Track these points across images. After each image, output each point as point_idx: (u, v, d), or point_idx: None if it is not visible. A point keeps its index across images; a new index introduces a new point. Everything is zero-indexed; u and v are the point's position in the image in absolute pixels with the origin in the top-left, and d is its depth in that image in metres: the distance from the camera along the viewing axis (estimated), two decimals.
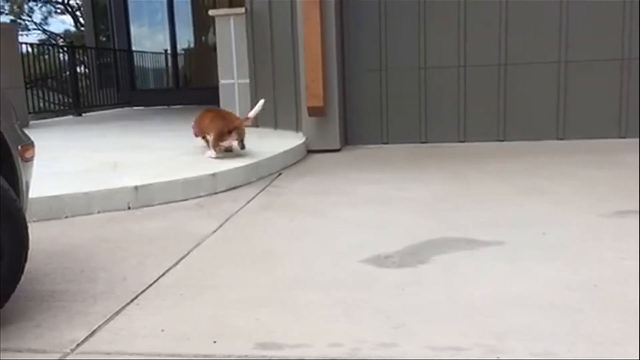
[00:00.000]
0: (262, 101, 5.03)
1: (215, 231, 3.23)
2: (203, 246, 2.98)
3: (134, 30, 13.36)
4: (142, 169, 4.41)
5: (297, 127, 6.16)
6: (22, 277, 2.15)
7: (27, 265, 2.16)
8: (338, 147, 5.82)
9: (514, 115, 5.79)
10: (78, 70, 11.89)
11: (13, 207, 2.07)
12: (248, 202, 3.89)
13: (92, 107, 11.50)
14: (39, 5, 25.05)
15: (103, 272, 2.63)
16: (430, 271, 2.50)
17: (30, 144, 2.37)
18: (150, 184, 3.91)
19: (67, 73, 11.17)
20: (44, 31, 25.28)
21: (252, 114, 4.96)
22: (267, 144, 5.37)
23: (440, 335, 1.90)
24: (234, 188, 4.25)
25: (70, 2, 25.01)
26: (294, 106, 6.19)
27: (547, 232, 2.94)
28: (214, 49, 7.55)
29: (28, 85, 9.58)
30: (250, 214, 3.63)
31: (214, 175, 4.18)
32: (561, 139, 5.71)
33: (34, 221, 3.24)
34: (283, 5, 6.23)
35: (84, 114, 10.68)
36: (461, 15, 5.77)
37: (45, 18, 25.42)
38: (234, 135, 4.76)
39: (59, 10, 25.60)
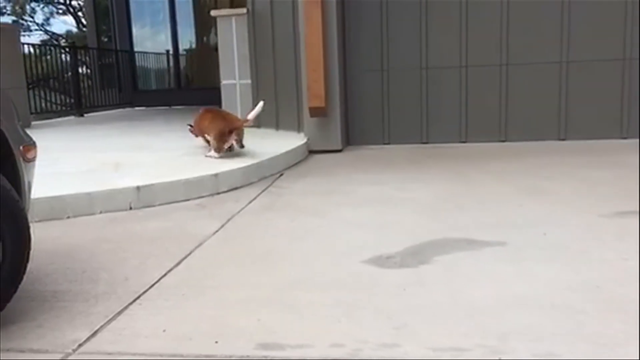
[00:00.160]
0: (261, 103, 5.04)
1: (217, 231, 3.23)
2: (205, 246, 2.98)
3: (135, 30, 13.37)
4: (144, 170, 4.42)
5: (298, 128, 6.16)
6: (24, 278, 2.15)
7: (29, 266, 2.16)
8: (339, 147, 5.82)
9: (515, 116, 5.79)
10: (80, 70, 11.90)
11: (15, 208, 2.07)
12: (250, 202, 3.89)
13: (93, 108, 11.51)
14: (41, 5, 25.09)
15: (105, 272, 2.63)
16: (431, 271, 2.50)
17: (32, 145, 2.38)
18: (152, 185, 3.91)
19: (69, 73, 11.19)
20: (46, 32, 25.32)
21: (251, 115, 4.97)
22: (268, 144, 5.37)
23: (442, 336, 1.90)
24: (235, 188, 4.26)
25: (72, 3, 25.04)
26: (296, 106, 6.20)
27: (549, 233, 2.94)
28: (216, 49, 7.56)
29: (30, 86, 9.59)
30: (251, 214, 3.63)
31: (215, 175, 4.18)
32: (562, 140, 5.70)
33: (35, 221, 3.25)
34: (284, 6, 6.24)
35: (85, 115, 10.70)
36: (462, 15, 5.77)
37: (47, 19, 25.46)
38: (234, 135, 4.78)
39: (60, 11, 25.63)
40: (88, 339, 2.00)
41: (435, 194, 3.89)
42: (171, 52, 13.41)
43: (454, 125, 5.91)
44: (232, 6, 7.66)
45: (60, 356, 1.89)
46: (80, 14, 23.95)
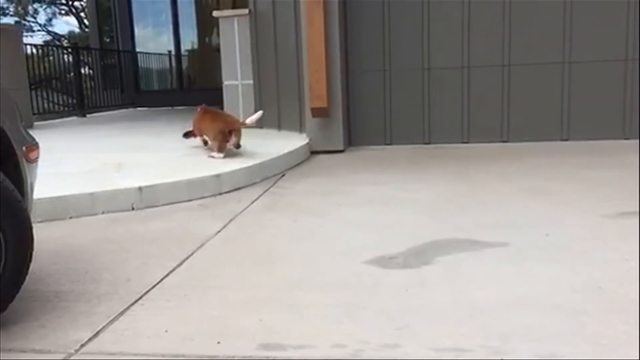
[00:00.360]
0: (260, 112, 5.09)
1: (219, 232, 3.23)
2: (207, 247, 2.98)
3: (138, 31, 13.39)
4: (146, 170, 4.42)
5: (300, 128, 6.16)
6: (27, 278, 2.16)
7: (32, 266, 2.17)
8: (341, 148, 5.82)
9: (517, 116, 5.78)
10: (82, 71, 11.91)
11: (18, 208, 2.07)
12: (252, 202, 3.89)
13: (96, 108, 11.53)
14: (44, 6, 25.13)
15: (107, 272, 2.64)
16: (433, 272, 2.50)
17: (34, 145, 2.38)
18: (155, 185, 3.91)
19: (72, 74, 11.20)
20: (49, 32, 25.37)
21: (249, 120, 4.98)
22: (270, 144, 5.38)
23: (444, 337, 1.90)
24: (237, 189, 4.26)
25: (75, 4, 25.08)
26: (298, 107, 6.20)
27: (551, 233, 2.93)
28: (218, 50, 7.56)
29: (32, 86, 9.61)
30: (254, 214, 3.63)
31: (218, 176, 4.19)
32: (565, 140, 5.70)
33: (38, 222, 3.26)
34: (286, 6, 6.24)
35: (88, 115, 10.71)
36: (464, 15, 5.77)
37: (50, 19, 25.51)
38: (234, 135, 4.80)
39: (63, 12, 25.68)
40: (90, 339, 2.00)
41: (437, 195, 3.89)
42: (173, 52, 13.42)
43: (456, 125, 5.91)
44: (234, 7, 7.66)
45: (62, 356, 1.89)
46: (82, 14, 24.00)
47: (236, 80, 7.22)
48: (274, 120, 6.68)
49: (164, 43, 13.42)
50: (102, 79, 12.64)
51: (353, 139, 6.12)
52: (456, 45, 5.82)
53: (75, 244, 3.11)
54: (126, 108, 12.52)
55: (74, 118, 10.37)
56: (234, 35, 7.13)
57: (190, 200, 3.97)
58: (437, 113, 5.95)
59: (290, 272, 2.59)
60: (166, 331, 2.03)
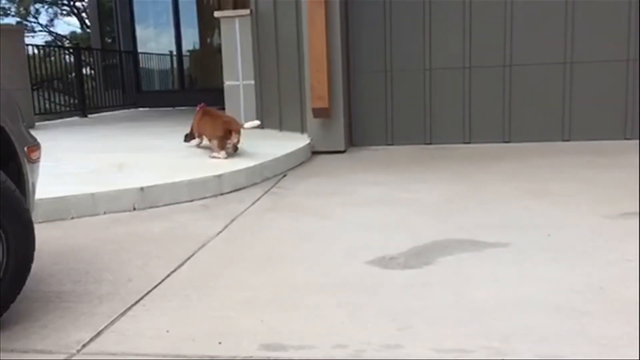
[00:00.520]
0: (257, 122, 5.14)
1: (220, 232, 3.23)
2: (208, 247, 2.98)
3: (139, 31, 13.40)
4: (148, 170, 4.43)
5: (302, 129, 6.16)
6: (28, 278, 2.16)
7: (33, 266, 2.17)
8: (343, 148, 5.82)
9: (519, 117, 5.78)
10: (84, 71, 11.92)
11: (19, 208, 2.08)
12: (253, 203, 3.89)
13: (97, 109, 11.53)
14: (45, 7, 25.15)
15: (108, 273, 2.64)
16: (435, 272, 2.50)
17: (36, 145, 2.38)
18: (156, 185, 3.91)
19: (73, 74, 11.20)
20: (50, 33, 25.36)
21: (246, 125, 4.98)
22: (272, 145, 5.38)
23: (446, 337, 1.90)
24: (239, 189, 4.26)
25: (76, 4, 25.09)
26: (299, 107, 6.20)
27: (553, 234, 2.93)
28: (219, 50, 7.56)
29: (34, 87, 9.61)
30: (255, 215, 3.64)
31: (219, 176, 4.19)
32: (566, 140, 5.69)
33: (39, 222, 3.26)
34: (288, 7, 6.24)
35: (89, 115, 10.72)
36: (466, 16, 5.76)
37: (52, 20, 25.51)
38: (234, 136, 4.81)
39: (65, 12, 25.68)
40: (92, 339, 2.00)
41: (439, 195, 3.89)
42: (174, 53, 13.43)
43: (458, 126, 5.91)
44: (235, 7, 7.65)
45: (64, 357, 1.89)
46: (84, 15, 24.00)
47: (237, 80, 7.22)
48: (275, 120, 6.68)
49: (166, 43, 13.43)
50: (104, 79, 12.64)
51: (354, 139, 6.12)
52: (457, 46, 5.82)
53: (76, 244, 3.11)
54: (127, 108, 12.52)
55: (76, 118, 10.38)
56: (235, 35, 7.14)
57: (192, 201, 3.97)
58: (439, 113, 5.94)
59: (292, 273, 2.59)
60: (167, 331, 2.03)
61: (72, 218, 3.64)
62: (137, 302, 2.30)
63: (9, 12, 23.91)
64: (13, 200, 2.05)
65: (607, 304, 2.10)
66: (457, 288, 2.31)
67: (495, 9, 5.70)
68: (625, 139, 5.56)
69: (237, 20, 7.11)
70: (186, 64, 13.76)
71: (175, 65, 13.62)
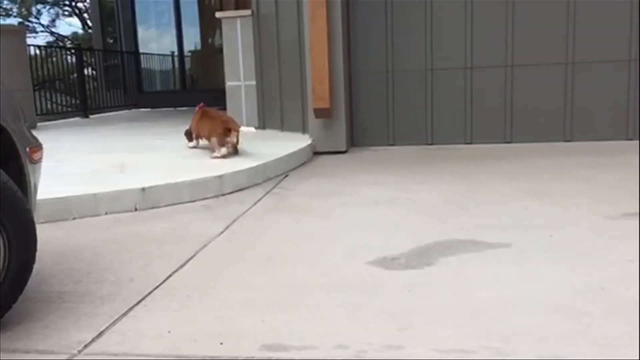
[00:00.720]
0: (253, 129, 5.13)
1: (221, 233, 3.24)
2: (210, 248, 2.99)
3: (141, 32, 13.41)
4: (149, 171, 4.43)
5: (303, 129, 6.16)
6: (30, 278, 2.17)
7: (35, 267, 2.18)
8: (344, 148, 5.82)
9: (520, 117, 5.78)
10: (85, 72, 11.94)
11: (21, 208, 2.08)
12: (254, 203, 3.90)
13: (99, 109, 11.54)
14: (47, 7, 25.17)
15: (110, 273, 2.64)
16: (436, 273, 2.50)
17: (38, 146, 2.39)
18: (157, 186, 3.92)
19: (75, 75, 11.22)
20: (52, 33, 25.38)
21: (243, 128, 4.97)
22: (273, 145, 5.38)
23: (447, 338, 1.90)
24: (240, 190, 4.26)
25: (78, 5, 25.12)
26: (301, 108, 6.20)
27: (554, 234, 2.93)
28: (221, 51, 7.57)
29: (36, 87, 9.63)
30: (256, 215, 3.64)
31: (220, 177, 4.19)
32: (568, 141, 5.69)
33: (41, 222, 3.26)
34: (289, 7, 6.24)
35: (91, 116, 10.73)
36: (467, 16, 5.76)
37: (53, 20, 25.53)
38: (233, 135, 4.82)
39: (66, 13, 25.70)
40: (93, 339, 2.00)
41: (440, 195, 3.89)
42: (176, 53, 13.44)
43: (459, 126, 5.91)
44: (236, 8, 7.65)
45: (65, 357, 1.89)
46: (85, 15, 24.03)
47: (239, 81, 7.22)
48: (276, 121, 6.68)
49: (167, 44, 13.44)
50: (105, 79, 12.65)
51: (356, 139, 6.12)
52: (459, 46, 5.82)
53: (78, 245, 3.12)
54: (129, 109, 12.54)
55: (77, 119, 10.39)
56: (236, 36, 7.14)
57: (193, 201, 3.97)
58: (440, 114, 5.94)
59: (293, 273, 2.59)
60: (169, 332, 2.03)
61: (74, 218, 3.64)
62: (138, 302, 2.30)
63: (10, 12, 23.95)
64: (15, 201, 2.05)
65: (608, 304, 2.10)
66: (458, 288, 2.31)
67: (497, 9, 5.70)
68: (627, 139, 5.55)
69: (238, 21, 7.11)
70: (188, 64, 13.78)
71: (176, 65, 13.63)
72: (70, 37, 24.98)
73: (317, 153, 5.72)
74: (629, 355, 1.75)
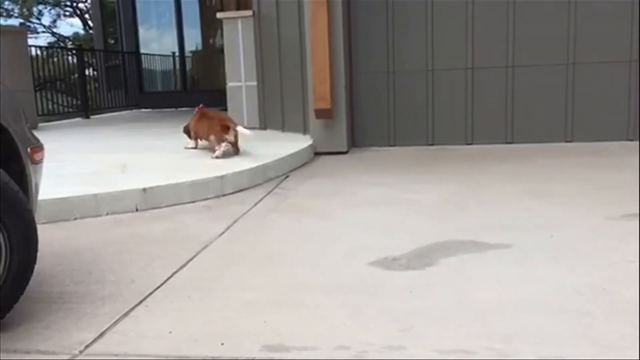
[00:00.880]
0: (252, 133, 5.06)
1: (222, 233, 3.24)
2: (210, 248, 2.99)
3: (142, 32, 13.41)
4: (150, 171, 4.43)
5: (304, 129, 6.17)
6: (31, 279, 2.17)
7: (36, 267, 2.18)
8: (345, 149, 5.82)
9: (521, 118, 5.78)
10: (86, 72, 11.94)
11: (22, 209, 2.08)
12: (255, 204, 3.90)
13: (100, 110, 11.55)
14: (48, 8, 25.18)
15: (111, 274, 2.64)
16: (437, 274, 2.50)
17: (39, 146, 2.39)
18: (158, 186, 3.92)
19: (76, 75, 11.23)
20: (53, 34, 25.40)
21: (240, 128, 4.96)
22: (274, 146, 5.38)
23: (448, 338, 1.90)
24: (241, 190, 4.26)
25: (79, 5, 25.13)
26: (302, 108, 6.20)
27: (555, 235, 2.93)
28: (222, 51, 7.57)
29: (37, 88, 9.63)
30: (257, 216, 3.64)
31: (221, 177, 4.19)
32: (569, 141, 5.69)
33: (42, 223, 3.27)
34: (290, 8, 6.25)
35: (92, 116, 10.73)
36: (469, 17, 5.76)
37: (54, 21, 25.52)
38: (232, 133, 4.83)
39: (67, 13, 25.70)
40: (94, 340, 2.00)
41: (441, 196, 3.89)
42: (177, 54, 13.44)
43: (460, 127, 5.91)
44: (238, 8, 7.65)
45: (66, 357, 1.90)
46: (87, 16, 24.04)
47: (240, 81, 7.22)
48: (277, 121, 6.68)
49: (168, 44, 13.44)
50: (106, 80, 12.65)
51: (357, 140, 6.13)
52: (460, 47, 5.82)
53: (79, 245, 3.12)
54: (130, 109, 12.54)
55: (78, 119, 10.40)
56: (237, 36, 7.14)
57: (194, 202, 3.98)
58: (441, 114, 5.94)
59: (294, 274, 2.59)
60: (170, 332, 2.03)
61: (75, 219, 3.64)
62: (139, 302, 2.30)
63: (11, 13, 23.96)
64: (16, 201, 2.05)
65: (609, 305, 2.10)
66: (459, 289, 2.31)
67: (498, 9, 5.70)
68: (628, 140, 5.55)
69: (239, 22, 7.12)
70: (189, 65, 13.77)
71: (177, 66, 13.63)
72: (71, 38, 24.99)
73: (318, 153, 5.73)
74: (630, 356, 1.75)
